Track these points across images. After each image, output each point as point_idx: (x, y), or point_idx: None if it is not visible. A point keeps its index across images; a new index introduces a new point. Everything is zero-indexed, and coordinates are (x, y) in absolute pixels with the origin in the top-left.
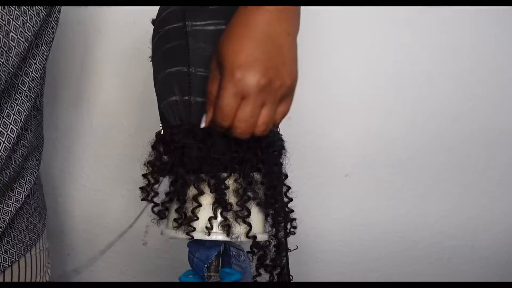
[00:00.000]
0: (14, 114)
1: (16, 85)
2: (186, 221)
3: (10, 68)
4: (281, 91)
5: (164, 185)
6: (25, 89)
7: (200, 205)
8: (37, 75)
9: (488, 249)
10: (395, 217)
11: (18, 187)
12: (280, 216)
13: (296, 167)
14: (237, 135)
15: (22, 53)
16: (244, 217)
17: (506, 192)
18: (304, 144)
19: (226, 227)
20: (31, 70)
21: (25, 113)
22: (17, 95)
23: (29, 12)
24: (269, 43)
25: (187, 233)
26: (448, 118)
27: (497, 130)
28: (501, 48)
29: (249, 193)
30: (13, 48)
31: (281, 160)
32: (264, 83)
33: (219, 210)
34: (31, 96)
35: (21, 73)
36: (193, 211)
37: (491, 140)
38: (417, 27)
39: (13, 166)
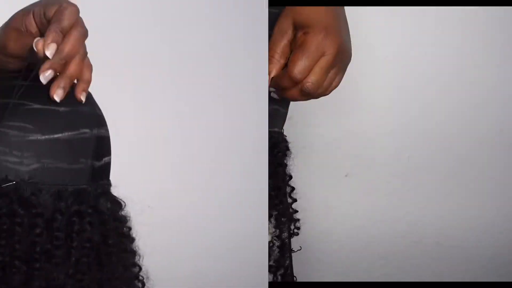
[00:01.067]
0: None
1: None
2: None
3: None
4: (346, 61)
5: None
6: None
7: None
8: None
9: (488, 249)
10: (395, 217)
11: None
12: (284, 217)
13: (296, 167)
14: (304, 92)
15: None
16: None
17: (507, 192)
18: (305, 144)
19: None
20: None
21: None
22: None
23: None
24: (344, 19)
25: None
26: (449, 118)
27: (497, 130)
28: (501, 48)
29: None
30: None
31: (285, 161)
32: (342, 48)
33: None
34: None
35: None
36: None
37: (491, 140)
38: (417, 27)
39: None
